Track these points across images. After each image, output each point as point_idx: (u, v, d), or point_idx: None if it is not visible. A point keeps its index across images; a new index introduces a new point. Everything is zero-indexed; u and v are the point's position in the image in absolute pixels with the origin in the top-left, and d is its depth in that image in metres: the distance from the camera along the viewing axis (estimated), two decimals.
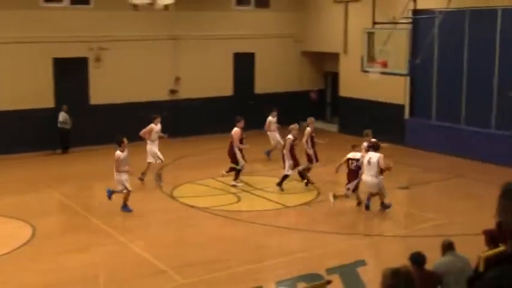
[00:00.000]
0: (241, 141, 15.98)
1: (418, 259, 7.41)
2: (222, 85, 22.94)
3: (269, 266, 10.85)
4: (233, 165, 15.93)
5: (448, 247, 7.82)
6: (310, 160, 15.78)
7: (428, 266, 7.64)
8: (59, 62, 20.00)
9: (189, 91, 22.10)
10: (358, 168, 13.53)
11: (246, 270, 10.48)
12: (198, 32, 22.03)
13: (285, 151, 15.36)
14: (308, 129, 15.91)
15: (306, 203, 14.46)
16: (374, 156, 13.22)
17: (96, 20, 20.28)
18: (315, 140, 16.01)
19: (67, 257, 11.20)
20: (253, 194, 15.24)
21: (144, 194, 15.43)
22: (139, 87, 21.15)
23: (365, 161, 13.31)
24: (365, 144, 14.33)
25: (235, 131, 16.01)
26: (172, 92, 22.10)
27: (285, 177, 15.28)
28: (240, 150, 15.92)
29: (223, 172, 16.04)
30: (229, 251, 11.48)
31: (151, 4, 17.49)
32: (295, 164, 15.39)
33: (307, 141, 15.76)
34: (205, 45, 22.27)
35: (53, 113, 19.84)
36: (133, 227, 12.99)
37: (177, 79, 22.00)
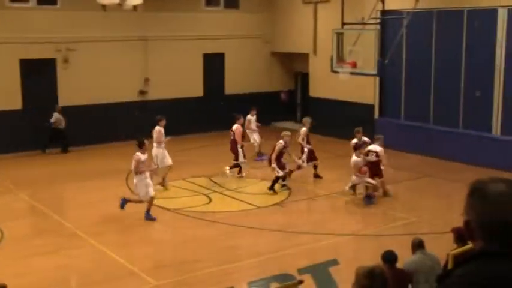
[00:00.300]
0: (242, 137, 16.59)
1: (390, 257, 7.49)
2: (192, 86, 22.86)
3: (241, 267, 10.84)
4: (236, 162, 16.46)
5: (418, 245, 7.91)
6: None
7: (399, 264, 7.72)
8: (26, 63, 19.71)
9: (158, 92, 21.98)
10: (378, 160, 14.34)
11: (218, 271, 10.46)
12: (167, 32, 21.92)
13: (273, 155, 15.05)
14: (304, 128, 16.16)
15: (277, 203, 14.49)
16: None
17: (63, 20, 20.03)
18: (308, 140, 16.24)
19: (37, 260, 11.04)
20: (224, 195, 15.22)
21: (116, 195, 15.29)
22: (108, 89, 20.96)
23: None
24: (354, 141, 14.79)
25: (237, 127, 16.37)
26: (142, 93, 21.95)
27: (277, 179, 15.11)
28: (242, 146, 16.36)
29: (227, 168, 16.47)
30: (201, 252, 11.45)
31: (120, 5, 17.34)
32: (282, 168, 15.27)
33: (303, 139, 15.88)
34: (174, 46, 22.16)
35: (21, 114, 19.57)
36: (105, 229, 12.86)
37: (146, 80, 21.86)
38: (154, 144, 15.58)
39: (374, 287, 4.03)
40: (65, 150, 19.95)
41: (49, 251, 11.47)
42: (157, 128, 15.72)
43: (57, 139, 19.68)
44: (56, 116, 19.70)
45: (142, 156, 13.05)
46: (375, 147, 14.48)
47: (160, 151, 15.48)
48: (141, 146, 13.14)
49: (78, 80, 20.40)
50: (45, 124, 19.45)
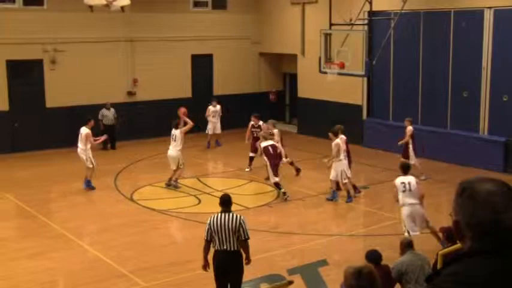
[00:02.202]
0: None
1: (374, 257, 7.51)
2: (180, 87, 22.80)
3: None
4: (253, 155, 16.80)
5: (407, 246, 7.94)
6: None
7: (389, 264, 7.74)
8: (12, 64, 19.58)
9: (146, 93, 21.92)
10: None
11: (207, 272, 10.43)
12: (155, 33, 21.86)
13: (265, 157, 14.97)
14: (276, 130, 16.21)
15: (266, 204, 14.49)
16: None
17: (50, 21, 19.91)
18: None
19: (23, 262, 10.97)
20: (213, 196, 15.19)
21: (103, 197, 15.25)
22: (96, 90, 20.87)
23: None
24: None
25: (263, 126, 16.82)
26: (130, 94, 21.89)
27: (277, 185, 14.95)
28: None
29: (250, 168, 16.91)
30: (190, 253, 11.40)
31: (107, 6, 17.27)
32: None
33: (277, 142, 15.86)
34: (162, 47, 22.11)
35: (8, 116, 19.46)
36: (92, 230, 12.81)
37: (135, 81, 21.80)
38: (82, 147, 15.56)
39: (362, 286, 4.04)
40: (112, 147, 20.44)
41: (34, 254, 11.40)
42: (84, 130, 15.69)
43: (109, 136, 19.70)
44: (102, 113, 20.24)
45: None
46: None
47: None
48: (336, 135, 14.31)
49: (66, 81, 20.30)
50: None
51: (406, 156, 15.75)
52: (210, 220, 8.29)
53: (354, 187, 14.72)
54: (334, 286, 7.55)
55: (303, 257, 10.52)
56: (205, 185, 15.98)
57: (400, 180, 10.85)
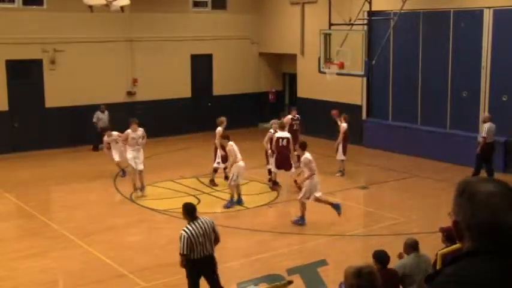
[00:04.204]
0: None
1: (383, 259, 7.40)
2: (179, 87, 22.81)
3: (230, 267, 10.82)
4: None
5: (412, 247, 7.74)
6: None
7: (390, 265, 7.73)
8: (12, 64, 19.58)
9: (146, 93, 21.93)
10: None
11: None
12: (155, 33, 21.87)
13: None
14: (219, 128, 15.62)
15: (266, 204, 14.49)
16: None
17: (50, 21, 19.91)
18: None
19: (23, 262, 10.97)
20: (213, 195, 15.21)
21: (103, 197, 15.25)
22: (96, 90, 20.87)
23: None
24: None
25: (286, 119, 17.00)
26: (130, 94, 21.89)
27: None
28: None
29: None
30: None
31: (107, 6, 17.26)
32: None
33: (267, 143, 15.82)
34: (162, 47, 22.11)
35: (8, 116, 19.46)
36: (93, 230, 12.80)
37: (134, 81, 21.80)
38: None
39: (362, 286, 4.04)
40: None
41: (35, 253, 11.40)
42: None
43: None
44: (97, 115, 20.06)
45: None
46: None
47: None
48: (305, 148, 13.29)
49: (65, 81, 20.29)
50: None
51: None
52: (189, 234, 8.29)
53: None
54: (334, 286, 7.55)
55: (303, 257, 10.53)
56: (206, 185, 15.97)
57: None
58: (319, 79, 19.47)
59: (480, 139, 15.53)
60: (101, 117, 20.21)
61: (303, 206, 12.85)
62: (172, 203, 14.51)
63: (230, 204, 14.13)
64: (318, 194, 12.84)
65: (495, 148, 15.81)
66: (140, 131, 15.21)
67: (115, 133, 16.49)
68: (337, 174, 16.81)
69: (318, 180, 12.97)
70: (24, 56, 19.65)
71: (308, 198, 12.77)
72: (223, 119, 15.83)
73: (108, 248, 11.68)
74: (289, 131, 15.90)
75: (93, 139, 19.78)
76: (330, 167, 17.52)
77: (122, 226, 13.16)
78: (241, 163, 14.03)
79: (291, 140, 15.16)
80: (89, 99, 20.63)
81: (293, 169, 15.14)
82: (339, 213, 12.89)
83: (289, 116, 17.47)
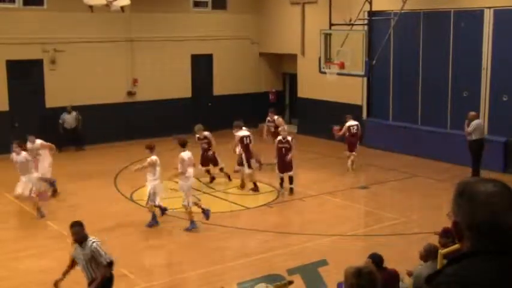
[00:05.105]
0: None
1: (375, 260, 7.42)
2: (180, 87, 22.81)
3: (230, 268, 10.84)
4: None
5: (431, 253, 7.55)
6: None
7: (390, 265, 7.73)
8: (12, 64, 19.58)
9: (146, 93, 21.93)
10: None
11: (207, 272, 10.45)
12: (155, 33, 21.86)
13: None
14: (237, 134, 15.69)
15: (266, 204, 14.49)
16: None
17: (50, 21, 19.91)
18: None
19: (23, 262, 10.97)
20: (213, 195, 15.21)
21: (103, 196, 15.25)
22: (96, 90, 20.87)
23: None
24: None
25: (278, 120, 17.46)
26: (130, 94, 21.89)
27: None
28: None
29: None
30: (189, 253, 11.43)
31: (107, 6, 17.27)
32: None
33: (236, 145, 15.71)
34: (162, 46, 22.11)
35: (8, 116, 19.46)
36: (92, 230, 12.73)
37: (135, 81, 21.81)
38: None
39: (362, 285, 4.05)
40: (79, 149, 20.27)
41: (35, 254, 11.40)
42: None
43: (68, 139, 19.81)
44: (63, 117, 20.02)
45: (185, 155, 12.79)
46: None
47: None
48: (183, 146, 12.95)
49: (66, 81, 20.29)
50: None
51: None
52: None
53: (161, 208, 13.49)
54: (334, 286, 7.55)
55: (303, 257, 10.52)
56: (205, 185, 15.97)
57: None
58: (320, 79, 19.46)
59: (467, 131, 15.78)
60: (67, 119, 20.08)
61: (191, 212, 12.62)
62: (171, 203, 14.52)
63: (153, 222, 12.94)
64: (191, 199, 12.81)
65: (484, 145, 15.87)
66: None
67: (38, 141, 14.99)
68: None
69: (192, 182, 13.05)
70: (25, 56, 19.65)
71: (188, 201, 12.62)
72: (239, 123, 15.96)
73: (108, 248, 11.65)
74: (267, 134, 17.18)
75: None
76: (330, 167, 17.55)
77: (122, 226, 13.15)
78: (157, 182, 12.97)
79: (252, 139, 15.50)
80: (89, 99, 20.65)
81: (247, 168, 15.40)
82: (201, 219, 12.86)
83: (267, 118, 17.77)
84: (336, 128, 17.51)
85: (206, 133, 16.07)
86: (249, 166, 15.34)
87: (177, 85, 22.70)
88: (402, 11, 17.77)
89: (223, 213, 13.90)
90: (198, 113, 22.54)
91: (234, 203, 14.66)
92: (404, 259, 9.60)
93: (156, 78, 22.06)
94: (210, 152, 15.88)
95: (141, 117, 21.80)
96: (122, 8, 17.78)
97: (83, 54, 20.51)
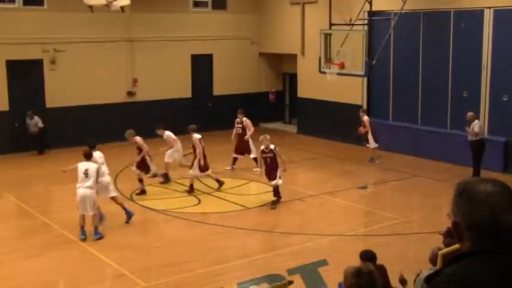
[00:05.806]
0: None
1: (367, 256, 7.46)
2: (180, 87, 22.82)
3: (230, 268, 10.84)
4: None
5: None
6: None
7: (390, 265, 7.72)
8: (12, 64, 19.58)
9: (146, 93, 21.93)
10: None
11: (207, 272, 10.45)
12: (155, 34, 21.87)
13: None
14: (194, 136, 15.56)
15: (266, 204, 14.48)
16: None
17: (50, 21, 19.92)
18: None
19: (23, 262, 10.97)
20: (213, 195, 15.20)
21: (104, 196, 15.22)
22: (95, 90, 20.88)
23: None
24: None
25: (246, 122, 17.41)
26: (130, 94, 21.90)
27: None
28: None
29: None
30: (190, 253, 11.43)
31: (107, 6, 17.26)
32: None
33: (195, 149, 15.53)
34: (162, 47, 22.12)
35: (8, 116, 19.47)
36: (92, 230, 12.78)
37: (135, 81, 21.81)
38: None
39: (361, 285, 4.05)
40: (40, 153, 19.87)
41: (36, 254, 11.40)
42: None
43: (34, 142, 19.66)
44: (26, 121, 19.68)
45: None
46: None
47: None
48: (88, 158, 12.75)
49: (66, 81, 20.30)
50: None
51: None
52: None
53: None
54: (334, 286, 7.55)
55: (303, 257, 10.52)
56: (205, 185, 15.97)
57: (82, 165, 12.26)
58: (320, 79, 19.46)
59: (474, 132, 15.68)
60: (28, 123, 19.71)
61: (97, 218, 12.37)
62: (171, 203, 14.53)
63: (98, 235, 12.27)
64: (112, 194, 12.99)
65: (485, 145, 15.86)
66: None
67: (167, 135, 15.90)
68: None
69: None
70: (25, 56, 19.66)
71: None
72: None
73: (108, 248, 11.68)
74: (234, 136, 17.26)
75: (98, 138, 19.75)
76: (330, 167, 17.56)
77: (122, 226, 13.15)
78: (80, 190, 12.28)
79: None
80: (89, 99, 20.65)
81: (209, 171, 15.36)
82: (128, 221, 12.87)
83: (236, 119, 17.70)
84: (361, 128, 17.77)
85: (138, 138, 15.60)
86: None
87: (177, 85, 22.71)
88: (402, 11, 17.76)
89: (223, 213, 13.90)
90: (198, 113, 22.56)
91: (234, 203, 14.65)
92: (404, 259, 9.61)
93: (156, 78, 22.06)
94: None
95: (141, 117, 21.77)
96: (122, 8, 17.77)
97: (83, 54, 20.52)
